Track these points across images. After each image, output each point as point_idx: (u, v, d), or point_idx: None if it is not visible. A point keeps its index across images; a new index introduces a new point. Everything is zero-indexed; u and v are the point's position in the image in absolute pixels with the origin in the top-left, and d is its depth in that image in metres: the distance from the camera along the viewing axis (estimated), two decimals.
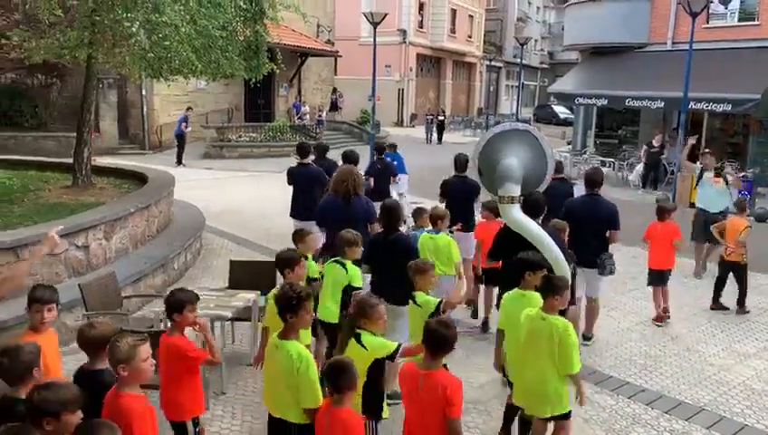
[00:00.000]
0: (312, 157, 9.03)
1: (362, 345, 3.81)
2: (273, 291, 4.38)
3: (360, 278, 5.27)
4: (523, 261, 4.75)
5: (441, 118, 31.73)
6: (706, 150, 12.26)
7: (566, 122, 31.09)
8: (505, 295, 4.88)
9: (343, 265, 5.17)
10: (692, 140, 11.98)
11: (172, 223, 10.29)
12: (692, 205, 11.68)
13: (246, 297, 6.08)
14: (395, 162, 11.02)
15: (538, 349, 4.20)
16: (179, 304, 3.97)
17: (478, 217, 7.68)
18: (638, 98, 18.59)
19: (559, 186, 7.27)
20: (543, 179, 5.31)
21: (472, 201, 7.83)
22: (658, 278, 7.73)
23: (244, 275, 6.59)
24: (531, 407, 4.38)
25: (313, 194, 8.23)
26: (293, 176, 8.79)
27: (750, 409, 5.73)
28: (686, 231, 9.17)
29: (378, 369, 3.85)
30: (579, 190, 7.70)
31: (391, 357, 3.83)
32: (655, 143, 18.22)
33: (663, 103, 18.04)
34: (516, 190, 4.99)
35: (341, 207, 6.34)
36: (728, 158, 18.15)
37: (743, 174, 16.06)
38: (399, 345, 3.86)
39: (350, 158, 8.38)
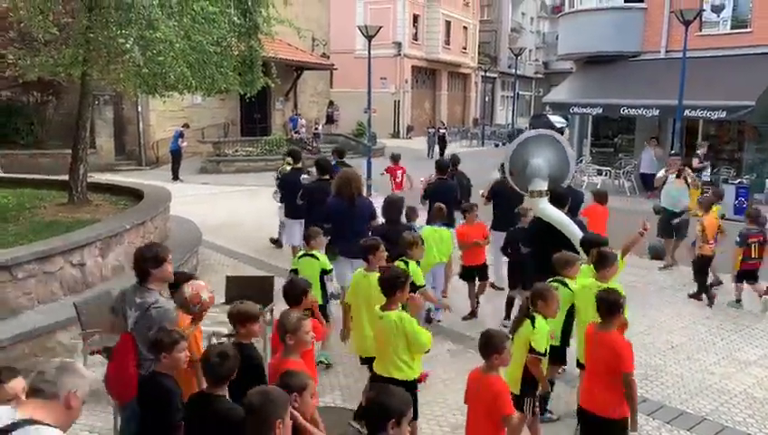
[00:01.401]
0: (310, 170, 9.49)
1: (534, 327, 4.45)
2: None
3: (422, 277, 5.96)
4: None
5: (443, 131, 30.77)
6: (672, 153, 12.53)
7: (561, 131, 31.11)
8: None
9: (407, 264, 5.63)
10: (701, 151, 12.28)
11: (168, 239, 10.24)
12: None
13: None
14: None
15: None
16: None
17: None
18: (633, 106, 18.65)
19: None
20: (566, 176, 6.45)
21: (451, 202, 8.45)
22: None
23: (240, 290, 6.54)
24: None
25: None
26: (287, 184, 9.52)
27: (752, 417, 5.69)
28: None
29: (531, 352, 4.43)
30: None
31: (538, 353, 4.43)
32: (699, 152, 16.58)
33: (658, 111, 18.10)
34: (544, 185, 6.21)
35: (347, 207, 7.05)
36: (724, 165, 18.21)
37: (738, 180, 16.12)
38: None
39: (340, 151, 9.07)
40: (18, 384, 2.98)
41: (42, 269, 6.78)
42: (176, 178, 19.71)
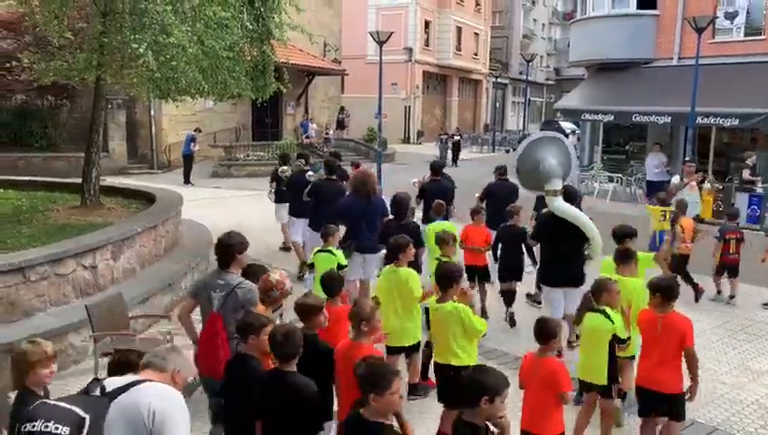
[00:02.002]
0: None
1: (610, 319, 4.81)
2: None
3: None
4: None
5: (457, 138, 30.31)
6: (687, 160, 12.42)
7: (567, 135, 30.95)
8: (603, 262, 6.17)
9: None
10: (750, 161, 12.30)
11: (180, 242, 10.31)
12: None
13: None
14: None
15: None
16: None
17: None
18: (644, 113, 18.55)
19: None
20: (569, 175, 6.92)
21: (445, 201, 8.71)
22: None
23: None
24: None
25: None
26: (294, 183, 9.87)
27: (764, 428, 5.64)
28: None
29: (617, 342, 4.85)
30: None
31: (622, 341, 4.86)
32: (749, 162, 15.94)
33: (670, 118, 17.99)
34: (559, 184, 6.62)
35: (364, 205, 7.55)
36: (736, 173, 18.06)
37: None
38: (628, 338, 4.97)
39: (330, 166, 9.30)
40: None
41: (54, 271, 6.84)
42: (187, 181, 19.80)
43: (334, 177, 9.15)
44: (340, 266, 6.54)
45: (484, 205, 9.05)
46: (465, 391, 3.25)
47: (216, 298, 4.44)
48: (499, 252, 8.06)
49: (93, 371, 5.90)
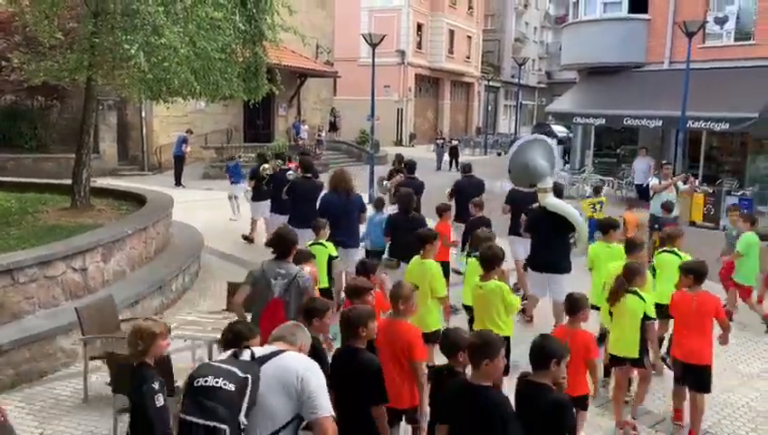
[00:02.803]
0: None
1: (642, 299, 5.38)
2: None
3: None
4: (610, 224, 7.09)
5: (455, 142, 29.79)
6: (664, 163, 12.43)
7: (564, 141, 30.94)
8: (591, 248, 7.08)
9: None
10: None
11: (170, 244, 10.25)
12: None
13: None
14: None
15: None
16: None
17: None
18: (636, 117, 18.65)
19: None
20: (553, 171, 7.69)
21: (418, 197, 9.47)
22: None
23: None
24: None
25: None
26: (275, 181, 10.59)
27: (755, 431, 5.67)
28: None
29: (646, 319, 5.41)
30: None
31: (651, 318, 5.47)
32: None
33: (661, 122, 18.10)
34: (550, 182, 7.42)
35: (343, 201, 8.06)
36: (726, 176, 18.19)
37: (741, 192, 16.09)
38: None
39: (306, 165, 9.81)
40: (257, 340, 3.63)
41: (43, 274, 6.78)
42: (178, 183, 19.72)
43: (310, 175, 9.60)
44: (332, 258, 7.05)
45: (453, 201, 9.79)
46: (536, 355, 3.71)
47: (277, 285, 4.88)
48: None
49: (83, 374, 5.85)
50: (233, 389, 2.87)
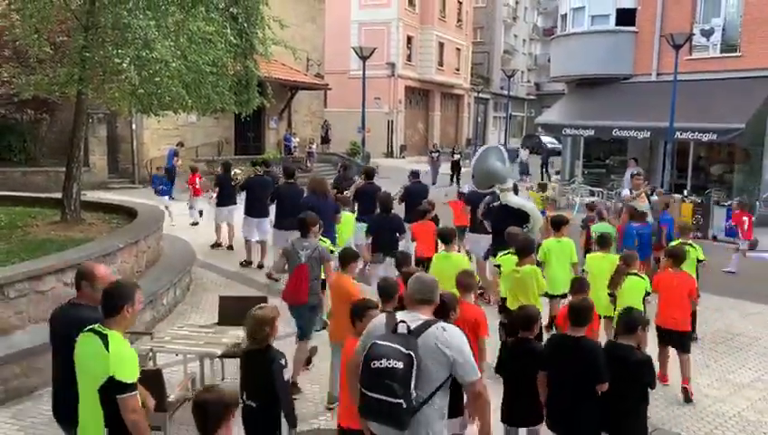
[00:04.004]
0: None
1: (643, 278, 6.54)
2: None
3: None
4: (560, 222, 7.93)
5: (457, 156, 26.92)
6: (635, 173, 12.34)
7: (554, 152, 31.16)
8: (544, 243, 7.86)
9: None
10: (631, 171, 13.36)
11: (161, 258, 10.20)
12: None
13: (237, 334, 5.94)
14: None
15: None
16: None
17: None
18: (624, 128, 18.82)
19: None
20: (507, 166, 9.19)
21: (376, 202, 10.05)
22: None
23: (234, 311, 6.48)
24: None
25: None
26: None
27: None
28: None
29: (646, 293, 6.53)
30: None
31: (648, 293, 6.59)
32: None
33: (649, 133, 18.28)
34: (510, 184, 8.89)
35: (322, 203, 8.78)
36: (714, 186, 18.36)
37: (728, 202, 16.24)
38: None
39: (289, 171, 10.63)
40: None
41: (33, 288, 6.72)
42: (170, 196, 19.63)
43: (292, 180, 10.46)
44: (330, 252, 7.49)
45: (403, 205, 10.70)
46: (625, 323, 4.56)
47: (303, 255, 6.36)
48: None
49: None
50: (401, 366, 3.26)
